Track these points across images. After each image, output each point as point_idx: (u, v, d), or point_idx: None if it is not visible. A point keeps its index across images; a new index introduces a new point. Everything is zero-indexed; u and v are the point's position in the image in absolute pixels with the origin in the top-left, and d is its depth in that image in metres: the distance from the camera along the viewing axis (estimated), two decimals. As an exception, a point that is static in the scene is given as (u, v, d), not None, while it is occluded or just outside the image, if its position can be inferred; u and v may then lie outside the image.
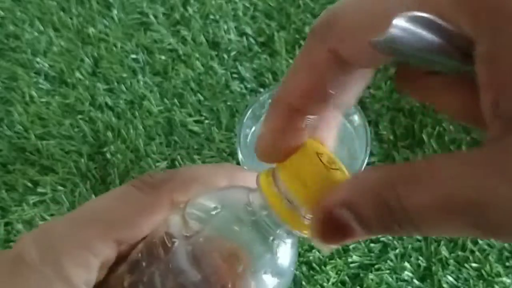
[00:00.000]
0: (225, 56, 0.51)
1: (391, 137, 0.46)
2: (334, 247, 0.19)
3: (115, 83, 0.51)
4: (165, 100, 0.49)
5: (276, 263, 0.21)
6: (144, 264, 0.20)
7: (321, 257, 0.42)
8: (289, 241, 0.21)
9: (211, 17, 0.53)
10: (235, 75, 0.50)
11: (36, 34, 0.54)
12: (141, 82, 0.50)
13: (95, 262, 0.21)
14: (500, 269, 0.41)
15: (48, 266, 0.20)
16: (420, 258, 0.42)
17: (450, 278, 0.41)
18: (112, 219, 0.21)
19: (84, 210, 0.23)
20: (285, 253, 0.21)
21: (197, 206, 0.21)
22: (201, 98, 0.49)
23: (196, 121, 0.48)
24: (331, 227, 0.17)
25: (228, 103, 0.49)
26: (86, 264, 0.20)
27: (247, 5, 0.53)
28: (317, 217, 0.18)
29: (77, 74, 0.51)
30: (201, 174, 0.23)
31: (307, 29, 0.51)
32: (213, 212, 0.21)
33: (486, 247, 0.42)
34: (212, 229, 0.20)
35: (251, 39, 0.51)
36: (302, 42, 0.50)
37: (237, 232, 0.21)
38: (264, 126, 0.20)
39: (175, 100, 0.49)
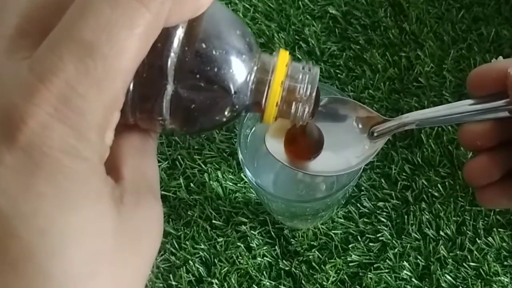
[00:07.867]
0: (226, 57, 0.51)
1: (390, 138, 0.46)
2: None
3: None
4: (166, 100, 0.49)
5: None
6: None
7: (320, 256, 0.42)
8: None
9: (212, 18, 0.53)
10: (235, 76, 0.50)
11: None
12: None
13: None
14: (498, 268, 0.42)
15: None
16: (419, 257, 0.42)
17: (449, 277, 0.41)
18: None
19: None
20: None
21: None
22: (202, 98, 0.49)
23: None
24: None
25: (228, 104, 0.49)
26: None
27: (247, 6, 0.53)
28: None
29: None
30: None
31: (306, 30, 0.51)
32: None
33: (484, 246, 0.42)
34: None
35: (251, 40, 0.51)
36: (301, 43, 0.51)
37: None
38: None
39: (176, 101, 0.49)
